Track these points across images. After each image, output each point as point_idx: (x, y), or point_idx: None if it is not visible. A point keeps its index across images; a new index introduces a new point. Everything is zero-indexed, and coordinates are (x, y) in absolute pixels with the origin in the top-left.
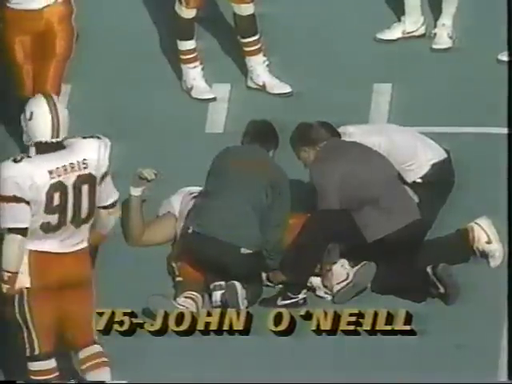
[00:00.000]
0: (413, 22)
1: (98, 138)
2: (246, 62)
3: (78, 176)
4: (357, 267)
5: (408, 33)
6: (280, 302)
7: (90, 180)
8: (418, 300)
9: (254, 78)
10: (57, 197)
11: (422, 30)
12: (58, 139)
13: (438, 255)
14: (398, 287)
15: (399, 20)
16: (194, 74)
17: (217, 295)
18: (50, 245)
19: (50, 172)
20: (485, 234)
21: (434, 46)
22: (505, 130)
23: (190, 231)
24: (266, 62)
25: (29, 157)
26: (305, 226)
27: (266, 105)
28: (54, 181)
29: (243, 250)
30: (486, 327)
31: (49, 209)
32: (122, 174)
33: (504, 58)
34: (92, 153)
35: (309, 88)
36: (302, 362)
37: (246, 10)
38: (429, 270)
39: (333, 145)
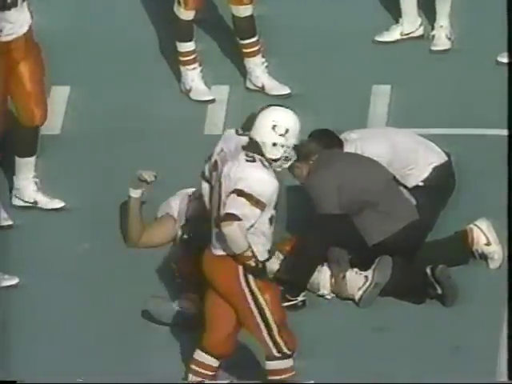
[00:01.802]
0: (410, 23)
1: None
2: (245, 63)
3: None
4: (373, 266)
5: (406, 34)
6: None
7: None
8: (416, 301)
9: (253, 80)
10: None
11: (420, 31)
12: None
13: (437, 257)
14: (397, 288)
15: (397, 22)
16: (193, 76)
17: None
18: None
19: None
20: (484, 235)
21: (433, 48)
22: (504, 132)
23: (185, 236)
24: (265, 64)
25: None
26: (305, 229)
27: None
28: None
29: None
30: (485, 329)
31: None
32: (122, 175)
33: (503, 59)
34: None
35: (307, 90)
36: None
37: (245, 11)
38: (428, 271)
39: (325, 157)
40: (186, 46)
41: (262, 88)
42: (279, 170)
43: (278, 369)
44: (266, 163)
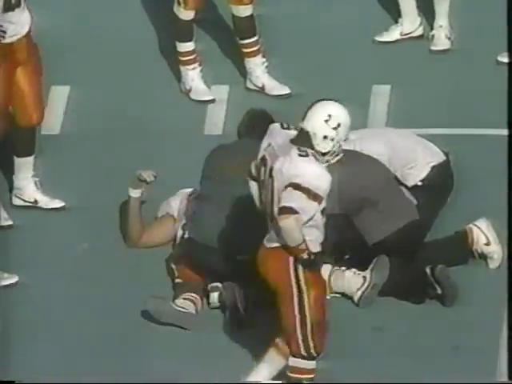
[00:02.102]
0: (410, 23)
1: None
2: (245, 63)
3: None
4: (370, 266)
5: (406, 34)
6: None
7: None
8: (416, 301)
9: (253, 80)
10: None
11: (419, 31)
12: None
13: (436, 257)
14: (396, 288)
15: (397, 22)
16: (193, 76)
17: (214, 296)
18: None
19: None
20: (484, 235)
21: (433, 48)
22: (504, 132)
23: (186, 236)
24: (265, 64)
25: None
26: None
27: (265, 106)
28: None
29: (239, 257)
30: (485, 329)
31: None
32: (121, 175)
33: (504, 59)
34: None
35: (308, 90)
36: None
37: (245, 11)
38: (427, 271)
39: None
40: (186, 46)
41: (262, 88)
42: (326, 165)
43: (300, 367)
44: (318, 157)
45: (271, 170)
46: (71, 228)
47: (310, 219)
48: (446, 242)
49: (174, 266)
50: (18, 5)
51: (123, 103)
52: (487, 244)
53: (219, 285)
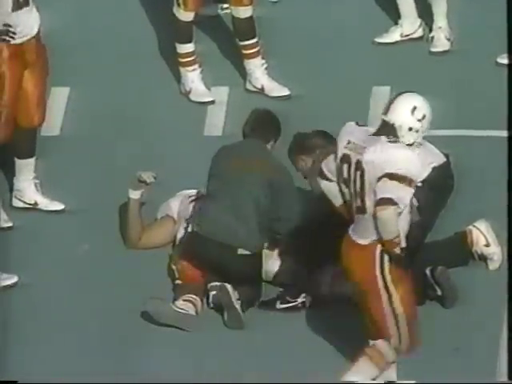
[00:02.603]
0: (410, 24)
1: None
2: (245, 64)
3: None
4: None
5: (406, 35)
6: (279, 306)
7: None
8: (416, 303)
9: (253, 81)
10: None
11: (419, 32)
12: None
13: (436, 258)
14: None
15: (397, 24)
16: (193, 77)
17: (210, 297)
18: None
19: None
20: (483, 237)
21: (433, 49)
22: (504, 133)
23: (189, 230)
24: (265, 65)
25: None
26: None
27: (265, 107)
28: None
29: (240, 251)
30: (485, 330)
31: None
32: (121, 176)
33: (503, 60)
34: None
35: (307, 91)
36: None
37: (245, 12)
38: (427, 272)
39: (330, 151)
40: (186, 48)
41: (262, 89)
42: None
43: (382, 353)
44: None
45: (358, 163)
46: (71, 229)
47: (406, 206)
48: (445, 243)
49: (174, 267)
50: (26, 4)
51: (123, 105)
52: (487, 245)
53: (217, 284)
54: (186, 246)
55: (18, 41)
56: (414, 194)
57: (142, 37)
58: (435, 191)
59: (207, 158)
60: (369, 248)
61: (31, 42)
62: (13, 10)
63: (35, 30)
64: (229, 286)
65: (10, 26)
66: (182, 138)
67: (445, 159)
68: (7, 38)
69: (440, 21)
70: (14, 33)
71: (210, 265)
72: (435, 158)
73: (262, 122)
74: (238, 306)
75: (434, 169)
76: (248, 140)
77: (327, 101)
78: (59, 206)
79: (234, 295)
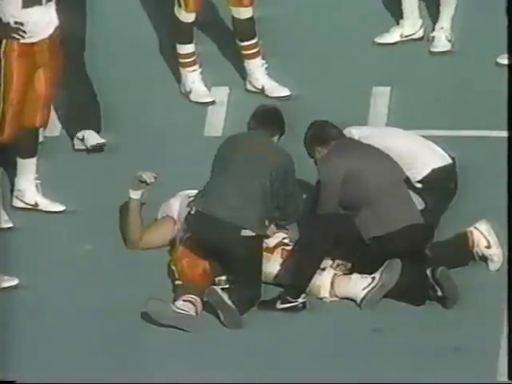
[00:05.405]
0: (411, 25)
1: None
2: (245, 65)
3: None
4: (381, 268)
5: (406, 36)
6: (279, 306)
7: None
8: (416, 303)
9: (253, 82)
10: None
11: (420, 33)
12: None
13: (437, 259)
14: (397, 290)
15: (398, 24)
16: (193, 78)
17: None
18: None
19: None
20: (484, 238)
21: (433, 49)
22: (504, 133)
23: (192, 212)
24: (265, 66)
25: None
26: (306, 230)
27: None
28: None
29: (243, 232)
30: (485, 330)
31: None
32: (122, 177)
33: (503, 60)
34: None
35: (307, 91)
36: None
37: (245, 13)
38: (428, 272)
39: (345, 142)
40: (186, 48)
41: (262, 90)
42: None
43: None
44: None
45: None
46: (71, 230)
47: None
48: (446, 244)
49: (174, 268)
50: (38, 3)
51: (123, 105)
52: (488, 246)
53: (223, 278)
54: (187, 228)
55: (28, 40)
56: (420, 197)
57: (143, 37)
58: (435, 193)
59: (207, 159)
60: None
61: (44, 43)
62: (23, 7)
63: (49, 31)
64: (217, 288)
65: (21, 24)
66: (182, 139)
67: (449, 161)
68: (17, 36)
69: (444, 22)
70: (23, 31)
71: (211, 245)
72: (437, 159)
73: (269, 117)
74: (230, 303)
75: (433, 171)
76: (254, 131)
77: (327, 101)
78: (59, 207)
79: (224, 295)
